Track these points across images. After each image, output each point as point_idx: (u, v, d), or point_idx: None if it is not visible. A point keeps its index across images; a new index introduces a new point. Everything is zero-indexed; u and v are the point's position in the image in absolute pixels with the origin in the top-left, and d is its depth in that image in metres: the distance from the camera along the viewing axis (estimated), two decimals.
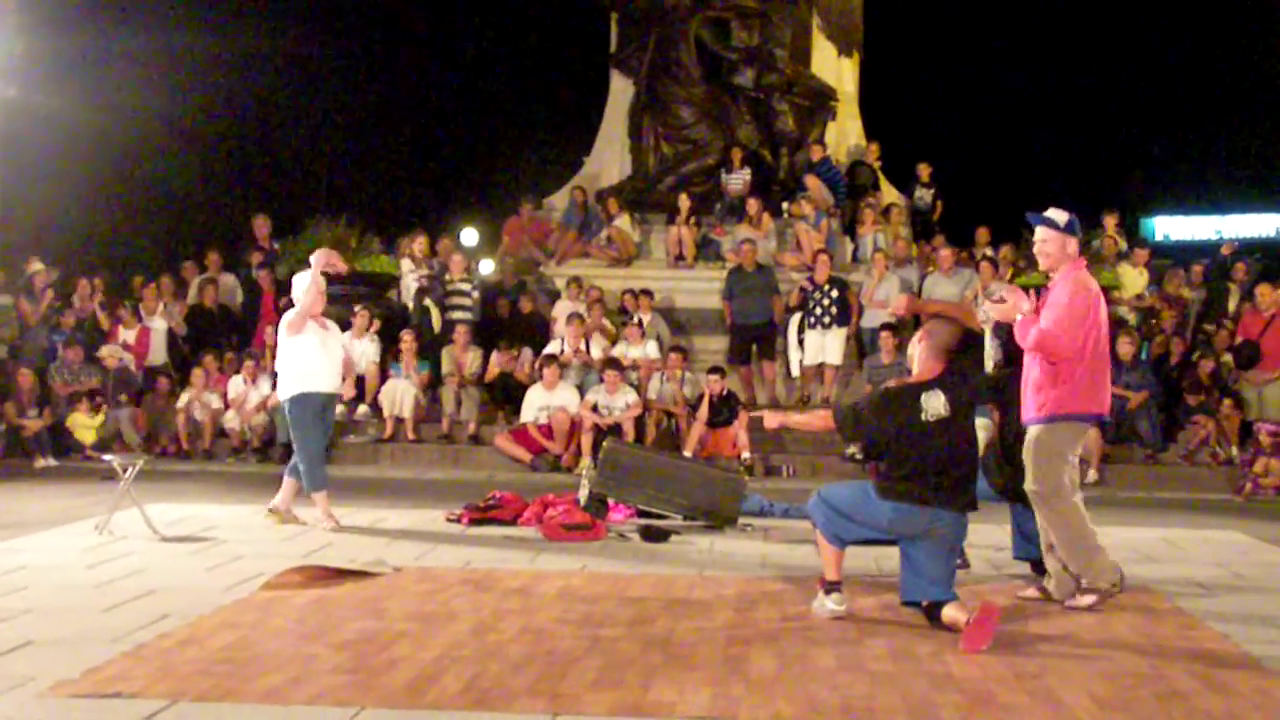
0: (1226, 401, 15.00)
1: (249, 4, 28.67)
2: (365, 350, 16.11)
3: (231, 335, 17.79)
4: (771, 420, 7.40)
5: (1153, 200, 40.89)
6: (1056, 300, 6.99)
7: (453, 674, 5.39)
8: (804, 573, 7.71)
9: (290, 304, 17.26)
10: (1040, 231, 7.16)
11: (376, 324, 16.42)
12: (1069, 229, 7.11)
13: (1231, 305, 16.91)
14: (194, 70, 26.48)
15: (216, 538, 9.05)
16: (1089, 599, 6.92)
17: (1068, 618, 6.71)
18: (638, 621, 6.46)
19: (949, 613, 6.21)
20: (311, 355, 9.73)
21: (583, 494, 9.89)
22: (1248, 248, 21.50)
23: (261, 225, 18.99)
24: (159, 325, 17.04)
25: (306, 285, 9.72)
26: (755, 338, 16.87)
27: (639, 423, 14.81)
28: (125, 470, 9.50)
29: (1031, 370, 7.01)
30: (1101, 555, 6.96)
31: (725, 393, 14.85)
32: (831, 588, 6.64)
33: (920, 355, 6.74)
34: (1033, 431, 7.03)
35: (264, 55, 28.01)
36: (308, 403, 9.69)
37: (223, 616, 6.45)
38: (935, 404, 6.42)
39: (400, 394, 15.56)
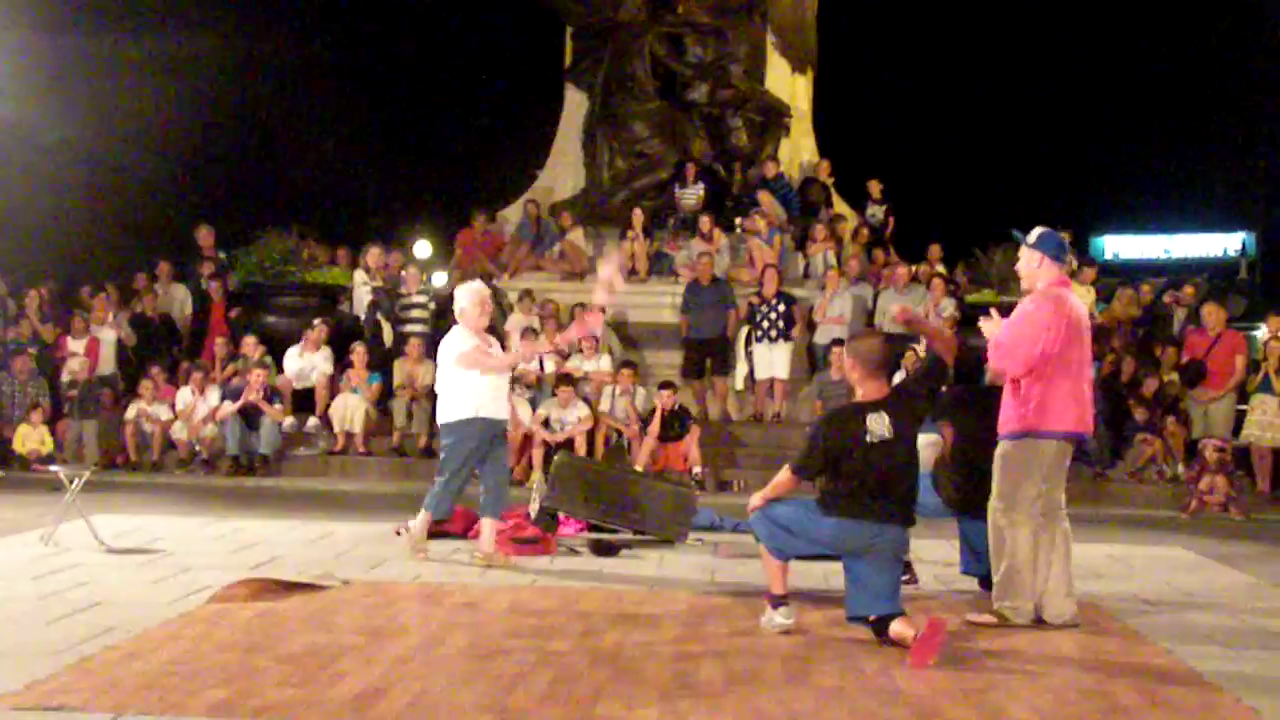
0: (1172, 419, 15.18)
1: (197, 12, 28.49)
2: (317, 364, 16.06)
3: (174, 346, 17.66)
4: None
5: (1103, 219, 41.35)
6: (1015, 316, 7.06)
7: (400, 688, 5.37)
8: (753, 588, 7.72)
9: (242, 314, 17.37)
10: (1021, 250, 7.25)
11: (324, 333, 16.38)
12: (1038, 245, 7.13)
13: (1177, 325, 17.10)
14: (142, 79, 26.26)
15: (163, 550, 8.99)
16: (988, 618, 6.97)
17: (1015, 634, 6.75)
18: (587, 636, 6.47)
19: (897, 628, 6.24)
20: (482, 383, 8.85)
21: (533, 508, 9.89)
22: (1195, 268, 21.77)
23: (206, 235, 18.85)
24: (107, 336, 16.88)
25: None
26: (709, 352, 16.90)
27: (590, 437, 14.81)
28: (72, 481, 9.42)
29: (1007, 386, 7.07)
30: (1024, 590, 6.94)
31: (677, 407, 14.88)
32: (779, 602, 6.66)
33: (856, 375, 6.78)
34: (1000, 447, 7.08)
35: (215, 65, 27.81)
36: (471, 429, 8.80)
37: (168, 629, 6.41)
38: (879, 426, 6.47)
39: (351, 408, 15.49)
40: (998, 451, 7.10)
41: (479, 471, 8.90)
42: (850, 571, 6.56)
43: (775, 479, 6.79)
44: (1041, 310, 6.97)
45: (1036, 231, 7.21)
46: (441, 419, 8.91)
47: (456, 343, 8.84)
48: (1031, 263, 7.16)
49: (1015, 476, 6.97)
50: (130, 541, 9.31)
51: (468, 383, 8.74)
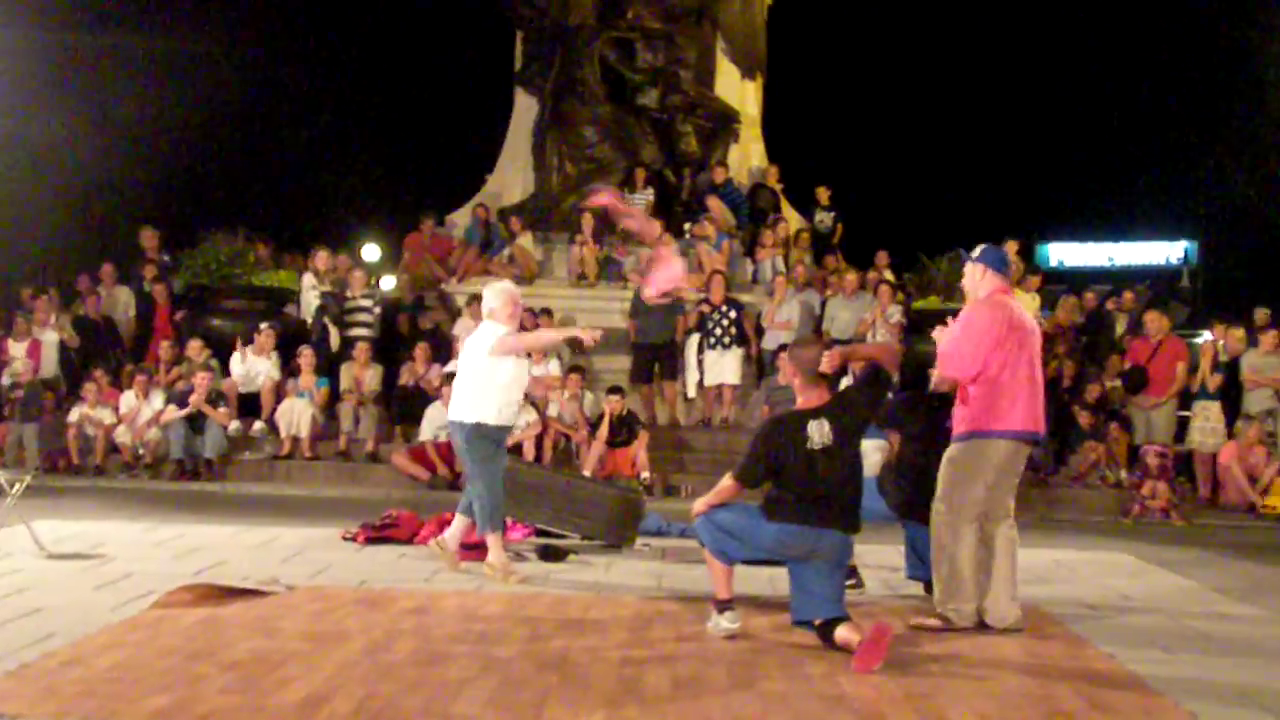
0: (1115, 425, 15.35)
1: (139, 11, 28.24)
2: (264, 368, 15.96)
3: (118, 349, 17.50)
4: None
5: (1048, 227, 41.75)
6: (958, 323, 7.17)
7: (344, 695, 5.34)
8: (700, 593, 7.73)
9: (187, 317, 17.22)
10: (965, 266, 7.41)
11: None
12: (982, 258, 7.28)
13: (1119, 332, 17.29)
14: (84, 78, 26.01)
15: (105, 555, 8.89)
16: (932, 622, 7.03)
17: (959, 639, 6.79)
18: (533, 641, 6.45)
19: (842, 633, 6.27)
20: (509, 385, 8.66)
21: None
22: (1138, 276, 22.04)
23: (150, 237, 18.70)
24: (50, 338, 16.69)
25: (547, 336, 9.13)
26: (658, 357, 16.91)
27: (539, 441, 14.80)
28: (12, 486, 9.31)
29: (958, 393, 7.15)
30: (965, 593, 7.00)
31: (625, 412, 14.89)
32: (724, 607, 6.67)
33: (797, 382, 6.83)
34: (949, 450, 7.15)
35: (161, 65, 27.57)
36: (490, 434, 8.59)
37: (110, 636, 6.34)
38: (819, 433, 6.50)
39: (297, 413, 15.39)
40: (946, 455, 7.16)
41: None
42: (795, 576, 6.58)
43: (718, 486, 6.81)
44: (981, 316, 7.10)
45: (979, 247, 7.37)
46: (461, 416, 8.55)
47: (490, 333, 8.54)
48: (974, 276, 7.29)
49: (960, 479, 7.02)
50: (72, 547, 9.20)
51: (492, 383, 8.46)
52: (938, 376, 7.44)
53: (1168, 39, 33.12)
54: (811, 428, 6.53)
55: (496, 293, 8.77)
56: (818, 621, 6.43)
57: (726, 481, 6.76)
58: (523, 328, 9.58)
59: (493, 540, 8.51)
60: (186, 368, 15.99)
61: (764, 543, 6.55)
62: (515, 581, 8.29)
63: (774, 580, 7.96)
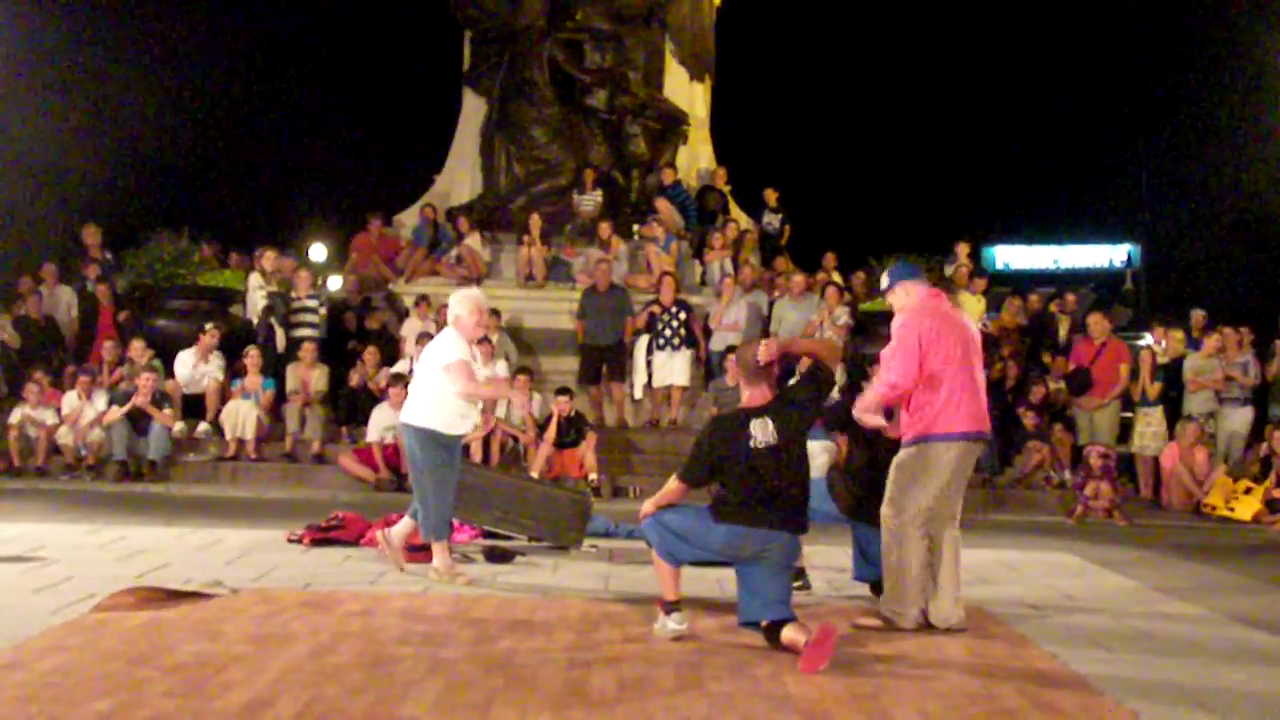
0: (1059, 427, 15.49)
1: (79, 9, 27.94)
2: (209, 370, 15.84)
3: (60, 349, 17.31)
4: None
5: (993, 230, 42.12)
6: (892, 337, 7.23)
7: (289, 698, 5.30)
8: (647, 594, 7.73)
9: (131, 317, 17.05)
10: (888, 298, 7.58)
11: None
12: (892, 280, 7.47)
13: (1062, 334, 17.44)
14: (25, 74, 25.68)
15: (46, 558, 8.78)
16: (874, 621, 7.08)
17: (904, 639, 6.82)
18: (479, 643, 6.43)
19: (788, 633, 6.28)
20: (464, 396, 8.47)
21: None
22: (1083, 279, 22.27)
23: (92, 234, 18.51)
24: None
25: (487, 392, 8.91)
26: (606, 358, 16.91)
27: (486, 443, 14.77)
28: None
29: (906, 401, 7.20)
30: (912, 595, 7.03)
31: (574, 413, 14.88)
32: (671, 608, 6.68)
33: (741, 381, 6.86)
34: (898, 454, 7.19)
35: (104, 60, 27.32)
36: (442, 441, 8.46)
37: (51, 639, 6.26)
38: (763, 432, 6.52)
39: (242, 415, 15.28)
40: (895, 460, 7.20)
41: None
42: (742, 577, 6.60)
43: (665, 487, 6.82)
44: (913, 323, 7.14)
45: (883, 276, 7.59)
46: (412, 420, 8.45)
47: (448, 349, 8.40)
48: (900, 298, 7.41)
49: (909, 484, 7.06)
50: (12, 549, 9.08)
51: (446, 392, 8.33)
52: (882, 391, 7.35)
53: (1112, 46, 33.51)
54: (755, 426, 6.55)
55: (462, 300, 8.59)
56: (764, 622, 6.44)
57: (672, 483, 6.77)
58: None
59: (438, 548, 8.44)
60: (129, 369, 15.82)
61: (713, 544, 6.56)
62: (462, 583, 8.26)
63: (722, 582, 7.98)
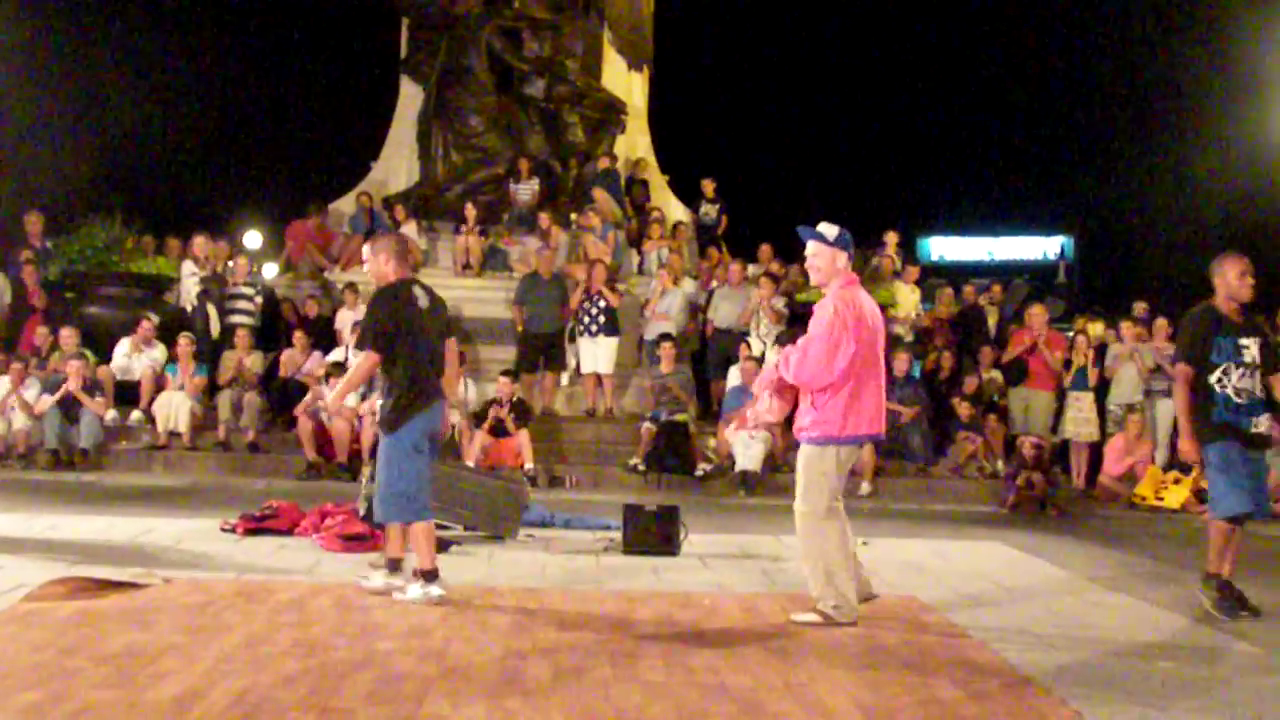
0: (993, 417, 15.62)
1: None
2: (153, 359, 15.71)
3: None
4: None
5: (928, 221, 42.45)
6: (815, 326, 7.10)
7: (221, 688, 5.28)
8: (585, 584, 7.76)
9: (63, 304, 16.81)
10: (811, 246, 7.22)
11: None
12: (838, 243, 7.18)
13: (991, 324, 17.62)
14: None
15: None
16: (812, 617, 7.02)
17: (838, 629, 6.86)
18: (414, 634, 6.42)
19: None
20: None
21: (361, 504, 9.76)
22: (1017, 270, 22.53)
23: (34, 222, 18.23)
24: None
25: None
26: (545, 347, 16.89)
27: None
28: None
29: (808, 393, 7.15)
30: (842, 584, 7.01)
31: (516, 398, 14.86)
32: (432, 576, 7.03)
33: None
34: (802, 451, 7.19)
35: (44, 48, 26.91)
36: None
37: None
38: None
39: (175, 406, 15.13)
40: (801, 455, 7.19)
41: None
42: None
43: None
44: (837, 321, 7.00)
45: (834, 229, 7.24)
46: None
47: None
48: (832, 261, 7.19)
49: (820, 481, 7.03)
50: None
51: None
52: (790, 380, 7.29)
53: (1047, 42, 33.83)
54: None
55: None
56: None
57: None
58: None
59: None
60: (58, 356, 15.63)
61: None
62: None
63: (658, 571, 8.02)
